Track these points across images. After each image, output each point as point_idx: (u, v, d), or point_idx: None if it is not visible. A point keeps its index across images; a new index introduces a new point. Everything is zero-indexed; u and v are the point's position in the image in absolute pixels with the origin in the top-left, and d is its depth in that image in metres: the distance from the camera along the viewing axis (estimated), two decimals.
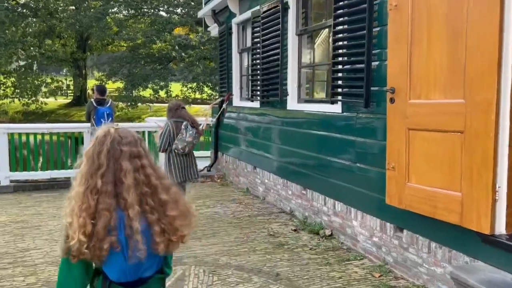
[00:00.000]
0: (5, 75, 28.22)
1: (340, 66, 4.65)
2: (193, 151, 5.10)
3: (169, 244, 1.53)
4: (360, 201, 4.36)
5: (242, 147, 7.42)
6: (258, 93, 6.70)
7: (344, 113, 4.61)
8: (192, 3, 26.06)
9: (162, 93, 27.43)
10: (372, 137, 4.14)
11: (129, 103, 27.12)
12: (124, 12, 28.18)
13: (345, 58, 4.57)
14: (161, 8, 27.35)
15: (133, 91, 26.85)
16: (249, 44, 7.25)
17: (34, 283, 3.57)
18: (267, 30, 6.14)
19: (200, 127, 8.13)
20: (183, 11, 27.37)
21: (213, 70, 26.35)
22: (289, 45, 5.76)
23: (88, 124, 7.30)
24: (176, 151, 4.86)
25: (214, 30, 8.67)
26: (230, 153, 8.04)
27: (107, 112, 7.05)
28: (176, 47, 25.45)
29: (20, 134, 7.25)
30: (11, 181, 7.05)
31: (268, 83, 6.26)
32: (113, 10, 27.03)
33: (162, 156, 5.45)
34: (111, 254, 1.44)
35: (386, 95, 3.68)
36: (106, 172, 1.45)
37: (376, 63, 4.07)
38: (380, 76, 4.00)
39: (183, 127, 4.88)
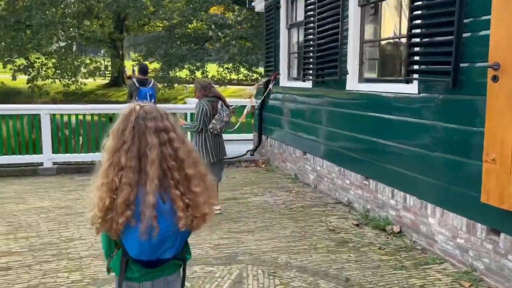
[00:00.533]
0: (46, 56, 28.74)
1: (417, 39, 4.00)
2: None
3: (193, 221, 1.51)
4: (440, 196, 3.77)
5: (290, 130, 6.90)
6: (311, 72, 6.12)
7: (422, 94, 3.99)
8: None
9: (198, 74, 27.17)
10: (459, 122, 3.52)
11: (165, 84, 27.02)
12: None
13: (425, 30, 3.91)
14: None
15: (170, 72, 26.70)
16: (300, 18, 6.64)
17: (79, 280, 3.26)
18: (325, 1, 5.52)
19: (246, 109, 7.73)
20: None
21: (249, 50, 25.74)
22: (351, 18, 5.12)
23: None
24: (211, 130, 4.69)
25: (259, 4, 8.08)
26: (275, 137, 7.55)
27: (150, 92, 6.70)
28: (213, 26, 24.93)
29: (62, 115, 7.03)
30: (54, 163, 6.87)
31: (324, 60, 5.67)
32: None
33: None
34: (128, 229, 1.43)
35: (484, 72, 3.05)
36: (131, 147, 1.45)
37: (468, 34, 3.41)
38: (473, 50, 3.35)
39: (219, 106, 4.71)
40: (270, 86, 7.34)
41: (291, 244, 4.05)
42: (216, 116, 4.66)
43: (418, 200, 4.08)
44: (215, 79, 28.42)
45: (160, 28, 31.26)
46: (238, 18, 28.06)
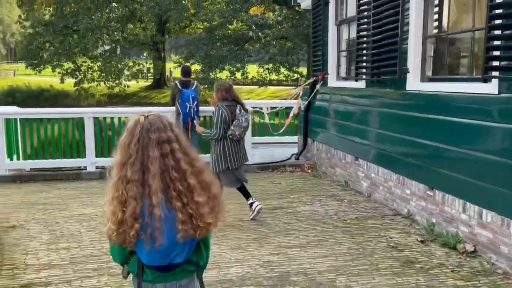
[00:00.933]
0: (92, 60, 29.65)
1: (498, 32, 3.47)
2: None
3: (197, 230, 1.52)
4: None
5: (339, 134, 6.45)
6: (365, 71, 5.66)
7: (503, 94, 3.45)
8: None
9: (238, 75, 27.07)
10: None
11: (206, 85, 27.12)
12: None
13: (507, 21, 3.38)
14: None
15: (210, 73, 26.76)
16: (351, 13, 6.18)
17: None
18: None
19: (292, 111, 7.38)
20: None
21: (289, 50, 25.32)
22: (412, 10, 4.63)
23: (173, 108, 6.79)
24: (231, 137, 4.54)
25: (306, 1, 7.68)
26: (322, 140, 7.12)
27: (192, 95, 6.46)
28: (253, 26, 24.72)
29: (105, 118, 6.95)
30: (97, 167, 6.79)
31: (380, 58, 5.19)
32: None
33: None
34: (139, 241, 1.48)
35: None
36: (135, 161, 1.48)
37: None
38: None
39: (237, 111, 4.53)
40: (318, 86, 6.92)
41: (349, 263, 3.64)
42: (234, 122, 4.49)
43: (498, 216, 3.54)
44: (255, 79, 28.28)
45: (201, 30, 31.50)
46: (279, 18, 27.74)
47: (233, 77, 27.26)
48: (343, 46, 6.65)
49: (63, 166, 6.63)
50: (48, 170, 6.56)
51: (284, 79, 27.52)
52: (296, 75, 27.48)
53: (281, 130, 6.95)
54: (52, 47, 28.20)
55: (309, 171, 7.22)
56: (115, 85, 29.59)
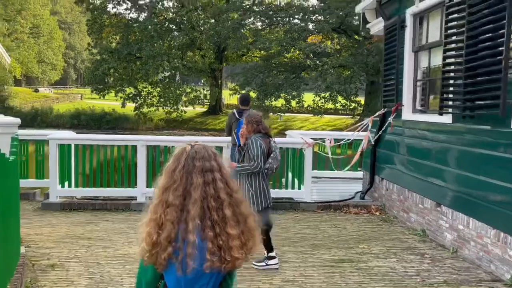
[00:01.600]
0: (152, 85, 30.65)
1: None
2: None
3: (223, 263, 1.50)
4: None
5: (416, 174, 5.60)
6: (453, 103, 4.85)
7: None
8: (329, 9, 24.77)
9: (293, 103, 26.65)
10: None
11: (261, 113, 26.89)
12: (259, 23, 28.30)
13: None
14: (297, 16, 26.64)
15: (265, 101, 26.57)
16: (434, 38, 5.43)
17: None
18: (480, 13, 4.29)
19: (361, 146, 6.64)
20: (319, 17, 26.26)
21: (347, 78, 24.60)
22: None
23: (227, 138, 6.32)
24: (267, 171, 4.19)
25: (376, 26, 7.02)
26: (393, 180, 6.28)
27: None
28: (311, 55, 24.35)
29: (158, 147, 6.61)
30: (148, 198, 6.41)
31: (475, 89, 4.39)
32: (249, 20, 27.21)
33: None
34: (170, 264, 1.49)
35: None
36: (178, 186, 1.51)
37: None
38: None
39: (272, 143, 4.24)
40: (390, 119, 6.14)
41: None
42: (272, 155, 4.17)
43: None
44: (310, 108, 27.69)
45: (257, 58, 31.70)
46: (337, 46, 27.22)
47: (288, 105, 26.92)
48: (420, 75, 5.88)
49: (113, 196, 6.32)
50: (98, 199, 6.27)
51: (341, 108, 26.69)
52: (353, 105, 26.59)
53: (347, 168, 6.25)
54: (116, 73, 29.55)
55: (377, 213, 6.37)
56: (172, 111, 30.26)
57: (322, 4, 26.37)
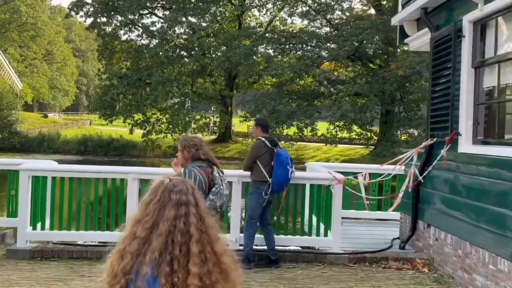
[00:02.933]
0: (161, 112, 29.92)
1: None
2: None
3: None
4: None
5: (483, 224, 4.36)
6: None
7: None
8: (344, 36, 24.02)
9: (306, 131, 25.57)
10: None
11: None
12: (270, 50, 27.66)
13: None
14: (310, 43, 25.94)
15: (277, 129, 25.55)
16: (505, 49, 4.31)
17: None
18: None
19: (404, 185, 5.42)
20: (332, 45, 25.52)
21: (362, 107, 23.56)
22: None
23: (238, 172, 5.15)
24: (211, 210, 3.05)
25: (418, 40, 5.94)
26: (447, 228, 5.01)
27: (288, 156, 4.75)
28: (325, 82, 23.42)
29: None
30: None
31: None
32: (261, 46, 26.56)
33: None
34: None
35: None
36: (149, 219, 1.47)
37: None
38: None
39: (215, 174, 3.35)
40: (443, 151, 4.92)
41: None
42: (213, 189, 3.27)
43: None
44: (323, 137, 26.58)
45: (269, 86, 30.96)
46: (351, 74, 26.33)
47: (300, 133, 25.87)
48: (483, 96, 4.72)
49: (95, 241, 5.15)
50: (77, 245, 5.10)
51: (356, 137, 25.52)
52: (369, 134, 25.42)
53: (391, 210, 5.05)
54: (125, 99, 28.94)
55: (426, 270, 5.07)
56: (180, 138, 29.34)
57: (336, 32, 25.70)
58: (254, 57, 25.70)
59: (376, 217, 6.64)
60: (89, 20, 29.95)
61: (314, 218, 5.22)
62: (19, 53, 47.23)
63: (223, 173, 3.37)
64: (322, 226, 5.18)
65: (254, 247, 4.92)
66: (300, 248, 5.24)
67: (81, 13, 29.50)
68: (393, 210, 5.41)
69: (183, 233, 1.44)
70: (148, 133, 29.53)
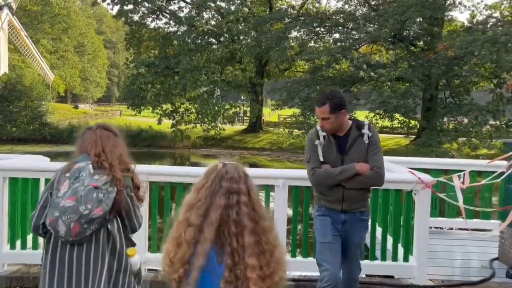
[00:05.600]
0: (190, 102, 28.92)
1: None
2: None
3: None
4: None
5: None
6: None
7: None
8: (385, 15, 22.02)
9: None
10: None
11: (304, 130, 24.33)
12: (303, 33, 25.94)
13: None
14: (347, 25, 24.06)
15: (311, 117, 23.95)
16: None
17: None
18: None
19: None
20: (371, 26, 23.55)
21: (406, 93, 21.58)
22: None
23: (288, 172, 3.75)
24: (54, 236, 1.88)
25: None
26: None
27: None
28: (364, 66, 21.55)
29: (168, 185, 4.17)
30: (149, 270, 3.95)
31: None
32: (295, 29, 24.87)
33: None
34: (183, 285, 1.43)
35: None
36: (202, 205, 1.45)
37: None
38: None
39: (61, 175, 1.92)
40: None
41: None
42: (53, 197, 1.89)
43: None
44: None
45: (301, 73, 29.33)
46: (392, 57, 24.30)
47: None
48: None
49: None
50: None
51: (399, 126, 23.59)
52: (413, 122, 23.42)
53: (503, 226, 3.57)
54: (153, 88, 28.10)
55: None
56: (210, 128, 28.33)
57: (374, 13, 23.70)
58: (287, 42, 24.10)
59: (460, 226, 5.08)
60: (116, 8, 29.15)
61: (389, 238, 3.76)
62: (52, 45, 47.46)
63: (100, 167, 1.94)
64: (400, 247, 3.71)
65: (301, 275, 3.60)
66: (368, 278, 3.81)
67: (108, 0, 28.70)
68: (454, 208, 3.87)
69: (237, 223, 1.42)
70: (177, 123, 28.68)
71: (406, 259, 3.68)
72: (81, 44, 53.10)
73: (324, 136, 2.73)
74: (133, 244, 2.05)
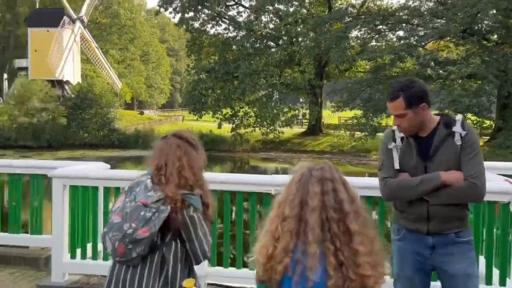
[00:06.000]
0: (249, 105, 29.08)
1: None
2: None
3: (345, 282, 1.35)
4: None
5: None
6: None
7: None
8: (454, 8, 20.56)
9: None
10: None
11: (367, 132, 23.40)
12: (363, 31, 25.01)
13: None
14: (414, 20, 22.82)
15: (374, 119, 23.01)
16: None
17: None
18: None
19: None
20: (438, 21, 22.13)
21: (479, 90, 19.95)
22: None
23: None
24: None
25: None
26: None
27: None
28: (431, 63, 20.27)
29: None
30: None
31: None
32: (356, 28, 24.07)
33: None
34: (285, 279, 1.40)
35: None
36: (295, 197, 1.45)
37: None
38: None
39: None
40: None
41: None
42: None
43: None
44: None
45: (361, 73, 28.34)
46: (465, 52, 22.65)
47: None
48: None
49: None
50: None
51: (474, 126, 21.88)
52: (487, 122, 21.64)
53: None
54: (213, 93, 28.62)
55: None
56: (269, 131, 28.26)
57: (442, 7, 22.23)
58: (347, 42, 23.35)
59: None
60: (178, 17, 30.10)
61: (481, 258, 3.24)
62: (119, 55, 50.20)
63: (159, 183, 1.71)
64: (495, 269, 3.18)
65: None
66: None
67: (170, 9, 29.70)
68: None
69: (335, 210, 1.39)
70: (237, 127, 28.95)
71: (502, 282, 3.14)
72: (146, 53, 55.71)
73: (402, 138, 2.15)
74: (193, 275, 1.76)
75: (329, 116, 37.72)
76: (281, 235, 1.40)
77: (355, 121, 24.25)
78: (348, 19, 24.55)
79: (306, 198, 1.41)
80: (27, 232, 4.04)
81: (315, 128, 30.55)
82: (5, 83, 42.03)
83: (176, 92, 70.73)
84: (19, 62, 38.74)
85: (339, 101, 25.85)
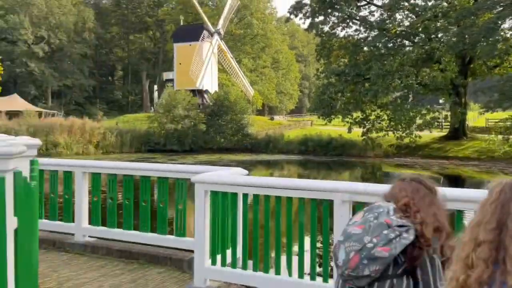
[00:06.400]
0: (381, 108, 27.63)
1: None
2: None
3: None
4: None
5: None
6: None
7: None
8: None
9: None
10: None
11: None
12: None
13: None
14: None
15: None
16: None
17: None
18: None
19: None
20: None
21: None
22: None
23: None
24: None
25: None
26: None
27: None
28: None
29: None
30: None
31: None
32: (510, 17, 20.95)
33: None
34: None
35: None
36: (491, 219, 1.30)
37: None
38: None
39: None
40: None
41: None
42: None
43: None
44: None
45: None
46: None
47: None
48: None
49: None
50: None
51: None
52: None
53: None
54: (343, 97, 27.96)
55: None
56: (405, 135, 26.38)
57: None
58: (498, 34, 20.41)
59: None
60: (308, 22, 30.23)
61: None
62: (252, 63, 52.77)
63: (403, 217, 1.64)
64: None
65: None
66: None
67: (300, 15, 30.00)
68: None
69: None
70: (368, 131, 27.75)
71: None
72: (276, 60, 57.49)
73: None
74: None
75: (473, 118, 33.62)
76: (475, 263, 1.28)
77: (509, 123, 21.07)
78: (500, 8, 21.51)
79: (505, 221, 1.28)
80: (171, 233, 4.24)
81: (458, 131, 27.45)
82: (155, 94, 47.79)
83: (305, 97, 71.36)
84: (166, 75, 43.62)
85: (489, 101, 22.72)
